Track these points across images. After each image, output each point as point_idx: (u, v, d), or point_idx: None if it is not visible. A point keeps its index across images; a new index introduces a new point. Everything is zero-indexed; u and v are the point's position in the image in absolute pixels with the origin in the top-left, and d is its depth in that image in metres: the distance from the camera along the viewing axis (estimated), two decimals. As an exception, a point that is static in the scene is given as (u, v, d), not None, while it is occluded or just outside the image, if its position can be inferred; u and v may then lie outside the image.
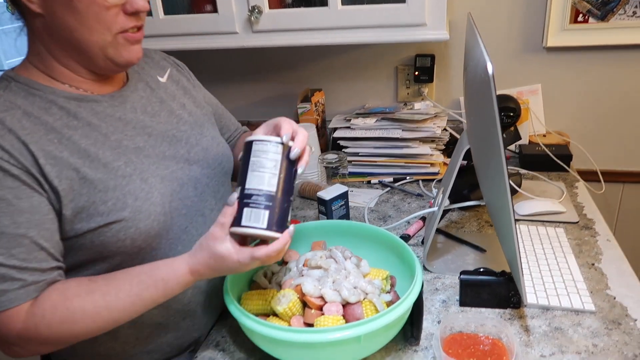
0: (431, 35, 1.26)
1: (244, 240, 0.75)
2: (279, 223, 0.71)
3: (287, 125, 0.76)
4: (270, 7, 1.35)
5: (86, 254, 0.76)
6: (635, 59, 1.48)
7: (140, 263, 0.76)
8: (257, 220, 0.70)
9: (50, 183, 0.70)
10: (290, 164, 0.74)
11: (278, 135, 0.75)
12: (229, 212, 0.71)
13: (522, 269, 0.82)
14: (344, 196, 1.22)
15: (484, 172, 0.84)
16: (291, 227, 0.73)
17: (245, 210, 0.70)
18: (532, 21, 1.49)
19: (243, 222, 0.70)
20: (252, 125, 1.74)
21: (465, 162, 1.45)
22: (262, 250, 0.71)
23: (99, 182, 0.74)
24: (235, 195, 0.72)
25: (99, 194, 0.73)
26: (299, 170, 0.75)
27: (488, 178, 0.81)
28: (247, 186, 0.71)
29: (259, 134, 0.76)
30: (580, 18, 1.45)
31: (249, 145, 0.74)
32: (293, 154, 0.74)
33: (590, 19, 1.44)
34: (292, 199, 0.74)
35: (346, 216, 1.25)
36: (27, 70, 0.77)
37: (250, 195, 0.69)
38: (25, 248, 0.69)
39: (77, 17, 0.71)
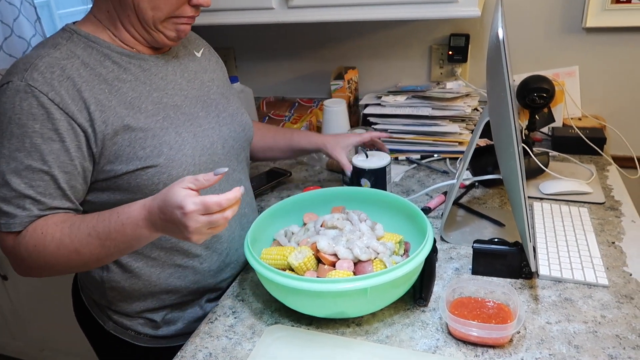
0: (462, 12, 1.27)
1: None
2: None
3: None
4: (305, -16, 1.38)
5: (122, 194, 0.85)
6: (681, 42, 1.42)
7: None
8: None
9: (96, 128, 0.79)
10: None
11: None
12: (208, 176, 0.71)
13: (530, 238, 0.84)
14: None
15: (499, 144, 0.85)
16: (241, 187, 0.72)
17: None
18: (571, 0, 1.46)
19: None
20: (286, 101, 1.81)
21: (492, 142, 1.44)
22: (212, 198, 0.68)
23: (140, 131, 0.83)
24: (224, 169, 0.72)
25: (139, 140, 0.82)
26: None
27: (501, 148, 0.83)
28: None
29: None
30: (622, -2, 1.41)
31: None
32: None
33: (633, -1, 1.40)
34: None
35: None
36: (91, 23, 0.85)
37: None
38: (45, 183, 0.78)
39: None
